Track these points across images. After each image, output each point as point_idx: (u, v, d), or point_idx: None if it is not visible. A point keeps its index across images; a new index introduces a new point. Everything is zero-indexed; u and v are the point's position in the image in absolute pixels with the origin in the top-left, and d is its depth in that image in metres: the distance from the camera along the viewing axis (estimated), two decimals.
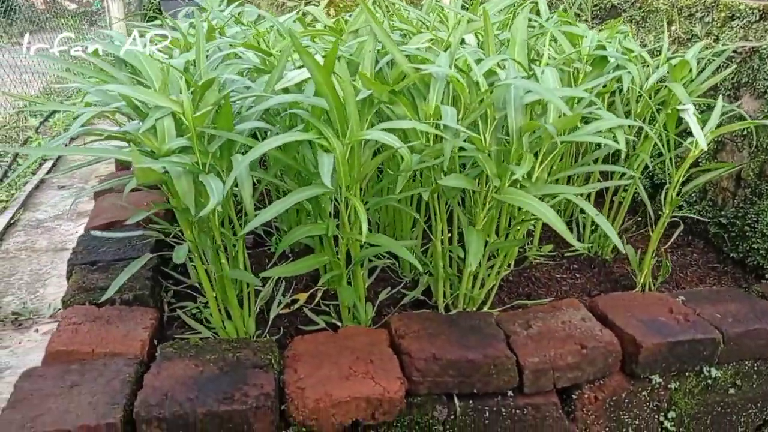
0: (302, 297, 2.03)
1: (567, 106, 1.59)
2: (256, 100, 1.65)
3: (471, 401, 1.60)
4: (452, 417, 1.60)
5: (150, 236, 2.21)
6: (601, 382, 1.67)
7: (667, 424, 1.74)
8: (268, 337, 1.81)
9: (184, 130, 1.60)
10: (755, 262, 2.29)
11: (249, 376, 1.49)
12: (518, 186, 1.67)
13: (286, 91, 1.65)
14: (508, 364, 1.57)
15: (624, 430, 1.72)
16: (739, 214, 2.35)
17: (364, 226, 1.46)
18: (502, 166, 1.67)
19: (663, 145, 2.00)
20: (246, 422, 1.41)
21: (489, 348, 1.59)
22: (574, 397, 1.66)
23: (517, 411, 1.62)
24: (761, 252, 2.25)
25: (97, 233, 1.94)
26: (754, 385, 1.79)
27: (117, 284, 1.66)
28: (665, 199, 2.00)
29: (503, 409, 1.61)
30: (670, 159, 1.97)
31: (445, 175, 1.70)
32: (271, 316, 1.88)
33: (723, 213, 2.42)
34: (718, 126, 1.85)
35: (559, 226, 1.56)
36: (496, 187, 1.68)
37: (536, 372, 1.59)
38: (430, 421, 1.57)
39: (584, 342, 1.63)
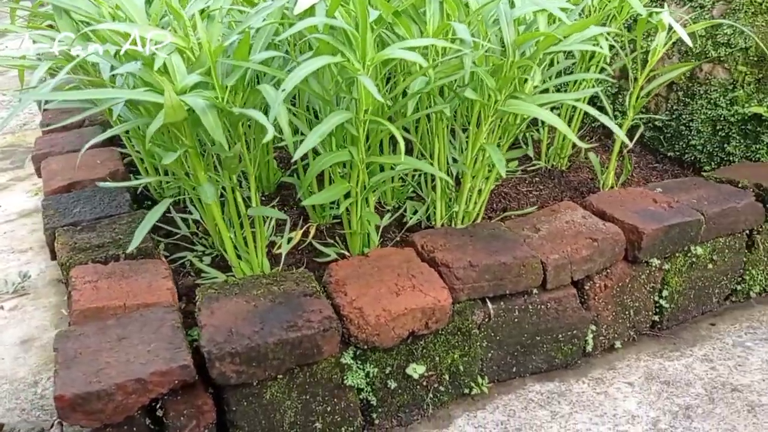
0: (297, 235, 2.03)
1: (563, 16, 1.68)
2: (259, 31, 1.61)
3: (502, 303, 1.70)
4: (487, 320, 1.69)
5: (120, 192, 2.12)
6: (608, 271, 1.82)
7: (661, 302, 1.93)
8: (286, 271, 1.81)
9: (191, 67, 1.54)
10: (692, 158, 2.52)
11: (303, 304, 1.50)
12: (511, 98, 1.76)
13: (285, 19, 1.63)
14: (534, 263, 1.68)
15: (627, 312, 1.89)
16: (674, 116, 2.57)
17: (402, 147, 1.49)
18: (503, 79, 1.74)
19: (622, 51, 2.15)
20: (315, 346, 1.43)
21: (516, 251, 1.69)
22: (587, 287, 1.80)
23: (542, 306, 1.74)
24: (698, 147, 2.48)
25: (107, 184, 1.82)
26: (726, 259, 2.01)
27: (140, 235, 1.59)
28: (629, 103, 2.16)
29: (530, 306, 1.72)
30: (633, 61, 2.12)
31: (454, 91, 1.75)
32: (283, 253, 1.88)
33: (657, 117, 2.64)
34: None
35: (563, 127, 1.66)
36: (497, 100, 1.75)
37: (557, 268, 1.71)
38: (470, 325, 1.65)
39: (593, 235, 1.77)
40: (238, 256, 1.80)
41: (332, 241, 1.98)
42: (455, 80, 1.71)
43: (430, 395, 1.68)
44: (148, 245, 1.81)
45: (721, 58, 2.39)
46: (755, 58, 2.29)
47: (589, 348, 1.85)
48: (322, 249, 1.92)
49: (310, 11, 1.61)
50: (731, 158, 2.40)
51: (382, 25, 1.67)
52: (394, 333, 1.51)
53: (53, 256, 1.94)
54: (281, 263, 1.87)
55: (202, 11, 1.61)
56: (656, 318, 1.96)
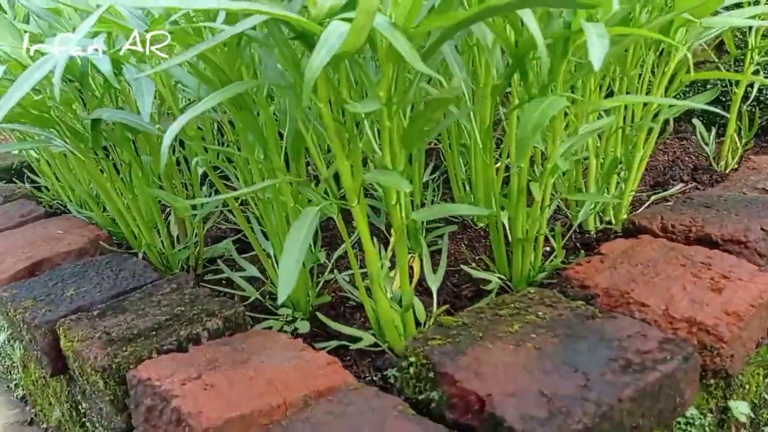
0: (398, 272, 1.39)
1: None
2: None
3: None
4: None
5: (125, 259, 1.40)
6: None
7: None
8: (459, 315, 1.16)
9: None
10: None
11: (604, 331, 0.87)
12: None
13: None
14: None
15: None
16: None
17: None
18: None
19: None
20: (677, 390, 0.81)
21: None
22: None
23: None
24: None
25: None
26: None
27: (292, 278, 0.88)
28: (752, 43, 1.77)
29: None
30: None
31: None
32: (434, 286, 1.23)
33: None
34: None
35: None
36: None
37: None
38: None
39: None
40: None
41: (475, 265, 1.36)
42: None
43: None
44: (234, 312, 1.11)
45: None
46: None
47: None
48: (478, 275, 1.29)
49: None
50: None
51: None
52: (744, 349, 0.92)
53: (56, 368, 1.17)
54: (434, 300, 1.22)
55: None
56: None
